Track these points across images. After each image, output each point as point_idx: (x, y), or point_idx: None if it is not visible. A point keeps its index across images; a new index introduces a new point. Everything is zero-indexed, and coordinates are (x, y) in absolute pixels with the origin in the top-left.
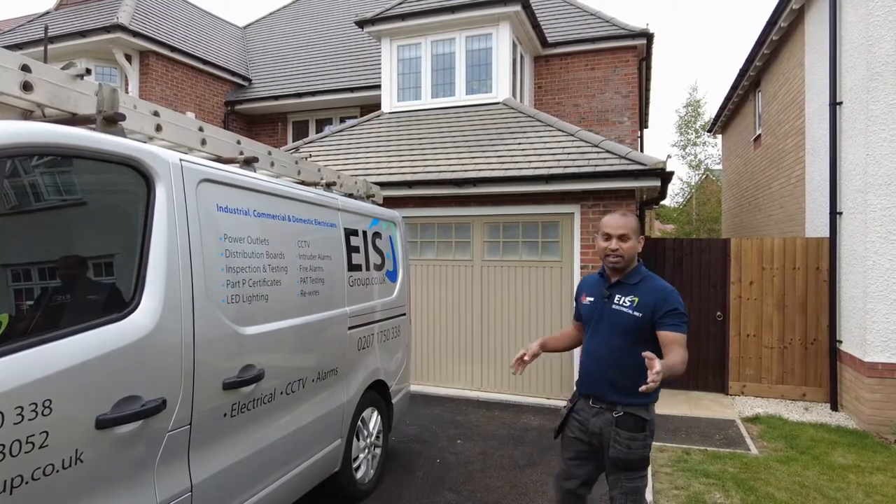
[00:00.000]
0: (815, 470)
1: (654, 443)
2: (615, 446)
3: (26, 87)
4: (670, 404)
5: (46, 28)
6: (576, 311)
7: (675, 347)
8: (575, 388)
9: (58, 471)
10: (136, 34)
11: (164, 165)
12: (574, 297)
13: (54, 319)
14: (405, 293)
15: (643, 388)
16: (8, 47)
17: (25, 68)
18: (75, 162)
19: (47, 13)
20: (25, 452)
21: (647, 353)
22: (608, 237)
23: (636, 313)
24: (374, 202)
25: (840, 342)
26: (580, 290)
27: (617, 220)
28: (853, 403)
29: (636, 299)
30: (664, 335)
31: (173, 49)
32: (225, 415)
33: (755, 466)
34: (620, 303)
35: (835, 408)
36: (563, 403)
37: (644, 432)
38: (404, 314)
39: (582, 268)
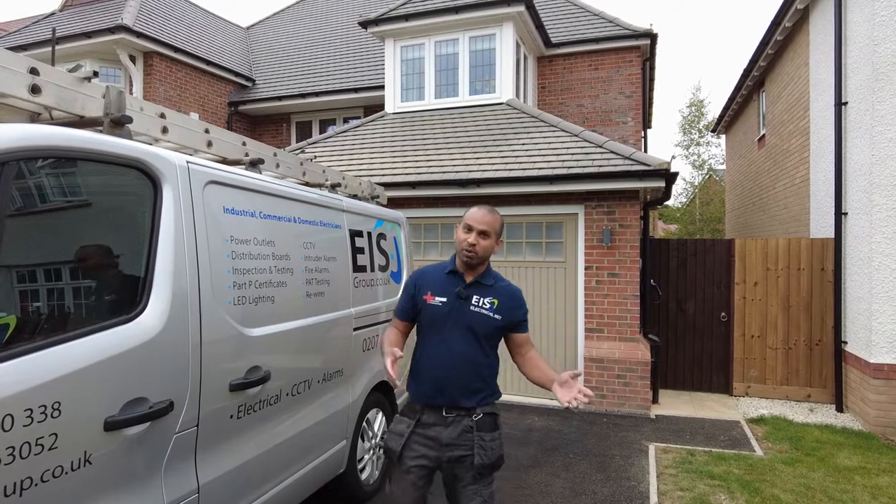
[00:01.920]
0: (821, 472)
1: (658, 444)
2: (481, 452)
3: (34, 90)
4: (674, 405)
5: (54, 31)
6: (404, 310)
7: (531, 348)
8: (413, 401)
9: (66, 473)
10: (139, 35)
11: (171, 168)
12: (410, 294)
13: (63, 322)
14: None
15: (577, 402)
16: (13, 49)
17: (34, 71)
18: (83, 165)
19: (52, 14)
20: (35, 454)
21: (574, 373)
22: (469, 229)
23: (497, 316)
24: (378, 203)
25: (845, 343)
26: (421, 287)
27: (483, 216)
28: (858, 405)
29: (496, 301)
30: (521, 337)
31: (177, 50)
32: (231, 416)
33: (760, 468)
34: (481, 304)
35: (840, 409)
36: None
37: (499, 429)
38: None
39: (586, 268)
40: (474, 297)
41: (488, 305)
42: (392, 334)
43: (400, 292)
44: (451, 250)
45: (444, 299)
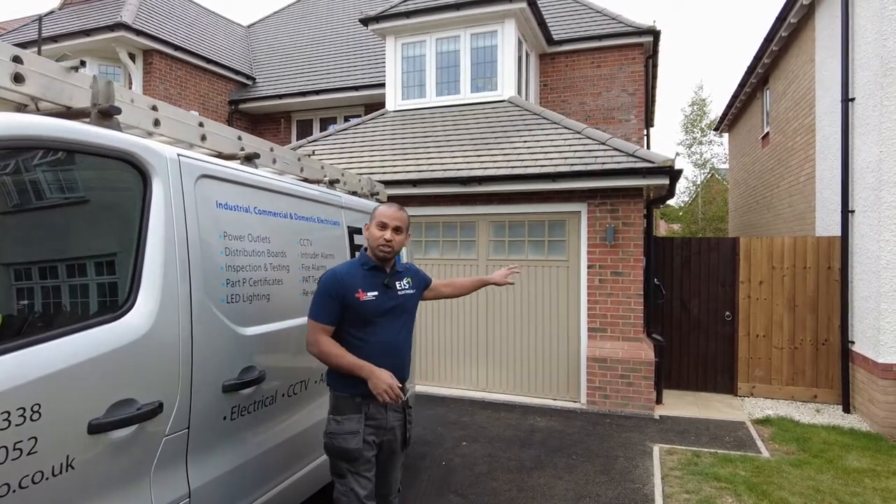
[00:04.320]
0: (830, 474)
1: (663, 445)
2: (409, 427)
3: (18, 78)
4: (679, 405)
5: (40, 19)
6: (333, 314)
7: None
8: (350, 396)
9: (47, 478)
10: (139, 33)
11: (160, 160)
12: (336, 297)
13: (45, 320)
14: None
15: (511, 276)
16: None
17: (17, 59)
18: (68, 156)
19: (51, 13)
20: (13, 459)
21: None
22: (384, 227)
23: (414, 290)
24: (378, 200)
25: (852, 343)
26: (347, 287)
27: (395, 212)
28: (866, 405)
29: (410, 280)
30: (434, 282)
31: (177, 48)
32: (224, 418)
33: (767, 470)
34: (404, 287)
35: (847, 409)
36: (570, 405)
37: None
38: None
39: (589, 267)
40: (396, 283)
41: (407, 286)
42: (332, 343)
43: (317, 295)
44: (451, 248)
45: (376, 293)
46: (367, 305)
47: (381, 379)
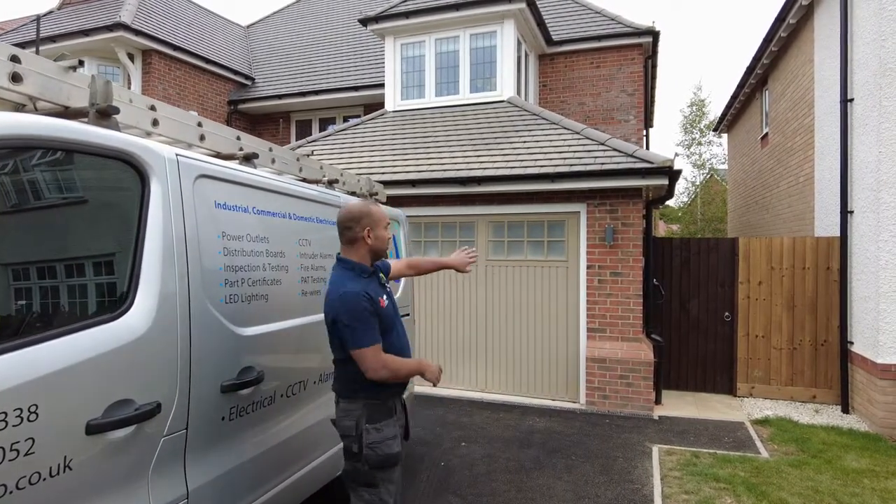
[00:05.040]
0: (829, 474)
1: (662, 445)
2: (407, 415)
3: (15, 78)
4: (678, 406)
5: (39, 19)
6: (375, 332)
7: (403, 260)
8: (384, 402)
9: (45, 479)
10: (138, 33)
11: (159, 160)
12: (373, 314)
13: (42, 320)
14: (409, 293)
15: (468, 261)
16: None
17: (15, 59)
18: (66, 156)
19: (50, 13)
20: (10, 460)
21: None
22: (387, 226)
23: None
24: (377, 200)
25: (851, 343)
26: (372, 301)
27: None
28: (865, 406)
29: (383, 274)
30: (395, 264)
31: (176, 48)
32: (223, 418)
33: (766, 470)
34: (389, 285)
35: (846, 410)
36: (569, 405)
37: None
38: (408, 314)
39: (588, 267)
40: (385, 282)
41: (386, 280)
42: (393, 358)
43: (360, 321)
44: (451, 249)
45: (384, 296)
46: (387, 311)
47: (433, 365)
